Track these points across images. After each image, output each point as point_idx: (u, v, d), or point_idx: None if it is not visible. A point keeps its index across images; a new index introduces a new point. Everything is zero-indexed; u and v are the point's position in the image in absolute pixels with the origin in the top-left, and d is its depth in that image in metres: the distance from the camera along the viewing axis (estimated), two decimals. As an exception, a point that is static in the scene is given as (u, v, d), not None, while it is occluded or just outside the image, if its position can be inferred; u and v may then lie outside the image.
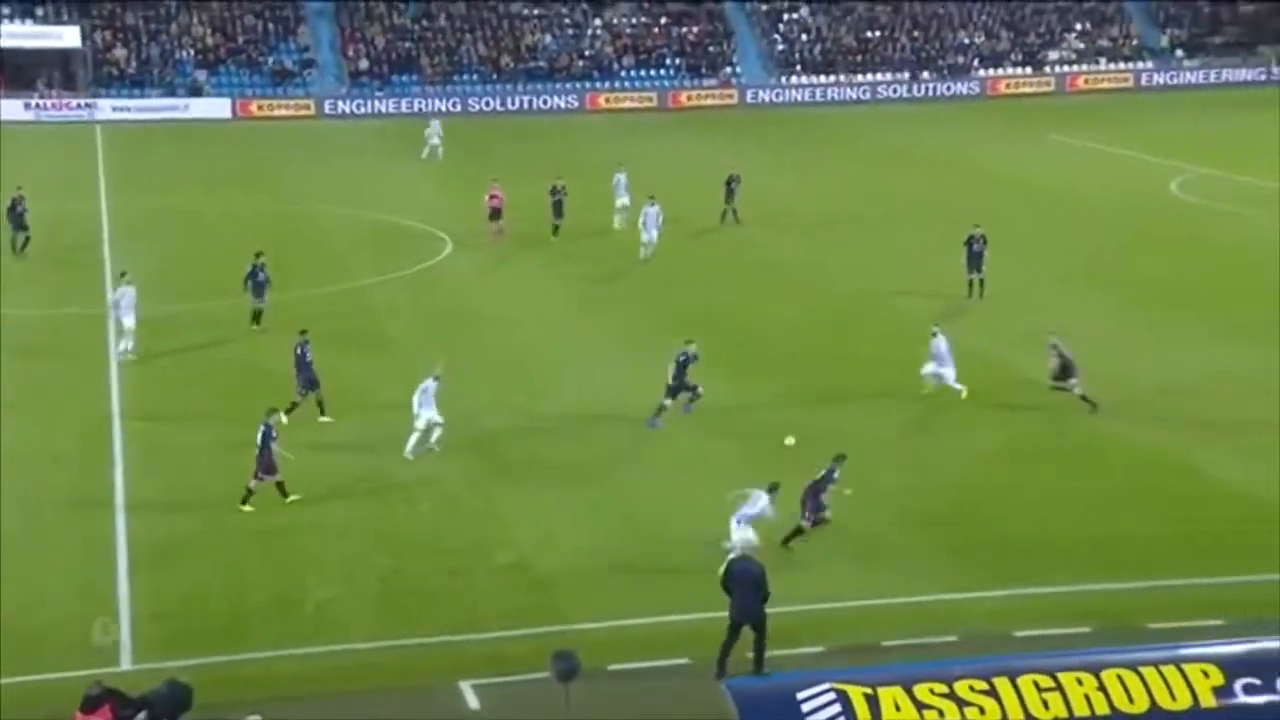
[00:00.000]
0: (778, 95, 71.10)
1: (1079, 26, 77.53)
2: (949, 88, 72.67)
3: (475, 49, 70.99)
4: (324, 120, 65.19)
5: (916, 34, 75.70)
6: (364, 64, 69.21)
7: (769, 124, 63.94)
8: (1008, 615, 18.76)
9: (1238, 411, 26.12)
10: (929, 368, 26.69)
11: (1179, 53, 76.48)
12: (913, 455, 24.19)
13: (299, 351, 25.55)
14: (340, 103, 66.96)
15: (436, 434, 23.95)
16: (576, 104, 68.61)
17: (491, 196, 39.62)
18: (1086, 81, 73.89)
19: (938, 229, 41.18)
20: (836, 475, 20.91)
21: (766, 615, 17.16)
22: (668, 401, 25.55)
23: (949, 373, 26.57)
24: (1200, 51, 76.38)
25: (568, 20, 73.39)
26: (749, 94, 70.82)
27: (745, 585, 17.11)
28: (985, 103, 70.47)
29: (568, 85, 69.75)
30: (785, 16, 75.75)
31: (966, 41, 75.65)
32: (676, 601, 19.10)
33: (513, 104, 67.90)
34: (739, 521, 19.83)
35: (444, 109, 66.18)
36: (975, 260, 33.16)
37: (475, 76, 69.70)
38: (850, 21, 76.00)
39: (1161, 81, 74.09)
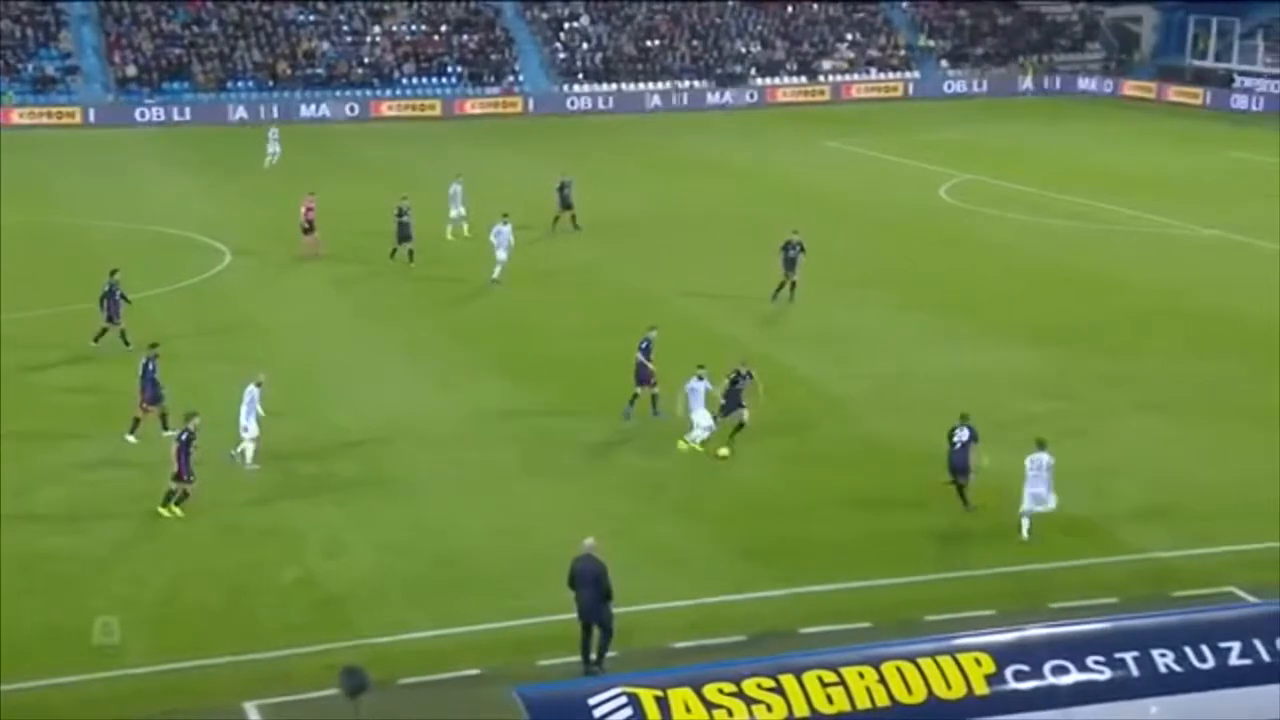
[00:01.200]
0: (562, 103, 71.30)
1: (849, 37, 79.60)
2: (729, 96, 73.86)
3: (250, 55, 69.48)
4: (90, 129, 63.01)
5: (695, 43, 76.75)
6: (131, 70, 67.11)
7: (555, 132, 64.06)
8: (793, 614, 19.11)
9: (1009, 408, 27.10)
10: (699, 421, 24.48)
11: (944, 63, 79.16)
12: (696, 459, 24.45)
13: (147, 366, 25.07)
14: (108, 111, 64.79)
15: (241, 446, 23.68)
16: (358, 112, 67.72)
17: (306, 210, 38.58)
18: (859, 90, 75.92)
19: (723, 235, 41.84)
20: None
21: (611, 614, 17.39)
22: (641, 390, 26.22)
23: (700, 421, 24.45)
24: (964, 61, 79.17)
25: (346, 27, 72.38)
26: (533, 102, 70.86)
27: (585, 583, 17.45)
28: (765, 111, 71.80)
29: (348, 93, 68.80)
30: (565, 25, 76.03)
31: (744, 50, 76.99)
32: (466, 613, 19.00)
33: (291, 112, 66.69)
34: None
35: (226, 117, 64.72)
36: (790, 264, 34.09)
37: (251, 84, 68.25)
38: (630, 30, 76.64)
39: (929, 90, 76.56)
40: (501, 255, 35.74)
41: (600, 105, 71.71)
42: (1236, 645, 14.63)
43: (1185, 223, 43.50)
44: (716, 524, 22.12)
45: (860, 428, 26.16)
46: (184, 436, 22.01)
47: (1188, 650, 14.59)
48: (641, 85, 73.26)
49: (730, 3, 79.80)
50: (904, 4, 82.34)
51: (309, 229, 38.49)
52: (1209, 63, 74.95)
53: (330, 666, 16.47)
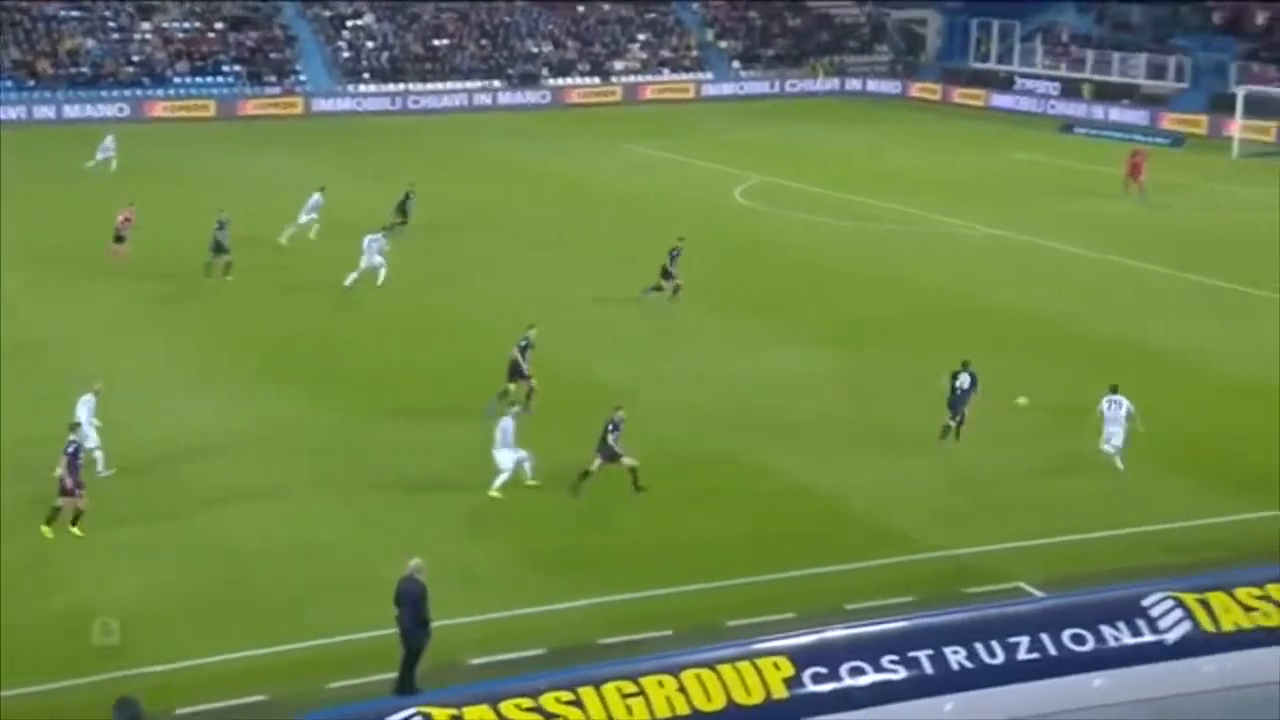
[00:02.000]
0: (346, 104, 70.28)
1: (641, 37, 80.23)
2: (522, 97, 73.74)
3: (7, 53, 66.81)
4: None
5: (485, 42, 76.46)
6: None
7: (340, 134, 63.10)
8: (593, 625, 19.08)
9: (801, 411, 27.54)
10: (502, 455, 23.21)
11: (736, 64, 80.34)
12: (484, 469, 24.14)
13: None
14: None
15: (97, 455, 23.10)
16: (128, 113, 65.65)
17: (124, 219, 37.30)
18: (653, 91, 76.54)
19: (523, 239, 41.73)
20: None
21: (424, 639, 17.25)
22: (514, 387, 26.46)
23: (506, 460, 23.17)
24: (756, 63, 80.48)
25: (112, 24, 70.12)
26: (315, 103, 69.67)
27: (405, 605, 17.49)
28: (559, 112, 71.86)
29: (116, 93, 66.65)
30: (349, 23, 74.96)
31: (535, 50, 76.98)
32: (252, 636, 18.52)
33: (53, 112, 64.28)
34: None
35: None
36: (665, 271, 34.53)
37: (10, 83, 65.60)
38: (417, 29, 75.97)
39: (722, 92, 77.58)
40: (372, 261, 34.96)
41: (388, 106, 70.91)
42: (1025, 640, 15.11)
43: (971, 222, 44.86)
44: (512, 536, 21.98)
45: (657, 433, 26.30)
46: (71, 449, 21.39)
47: (979, 647, 15.01)
48: (431, 86, 72.67)
49: (520, 2, 79.72)
50: (695, 5, 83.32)
51: (120, 239, 37.33)
52: (991, 65, 77.54)
53: (105, 699, 15.86)
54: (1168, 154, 57.83)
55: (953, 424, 25.63)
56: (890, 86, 78.66)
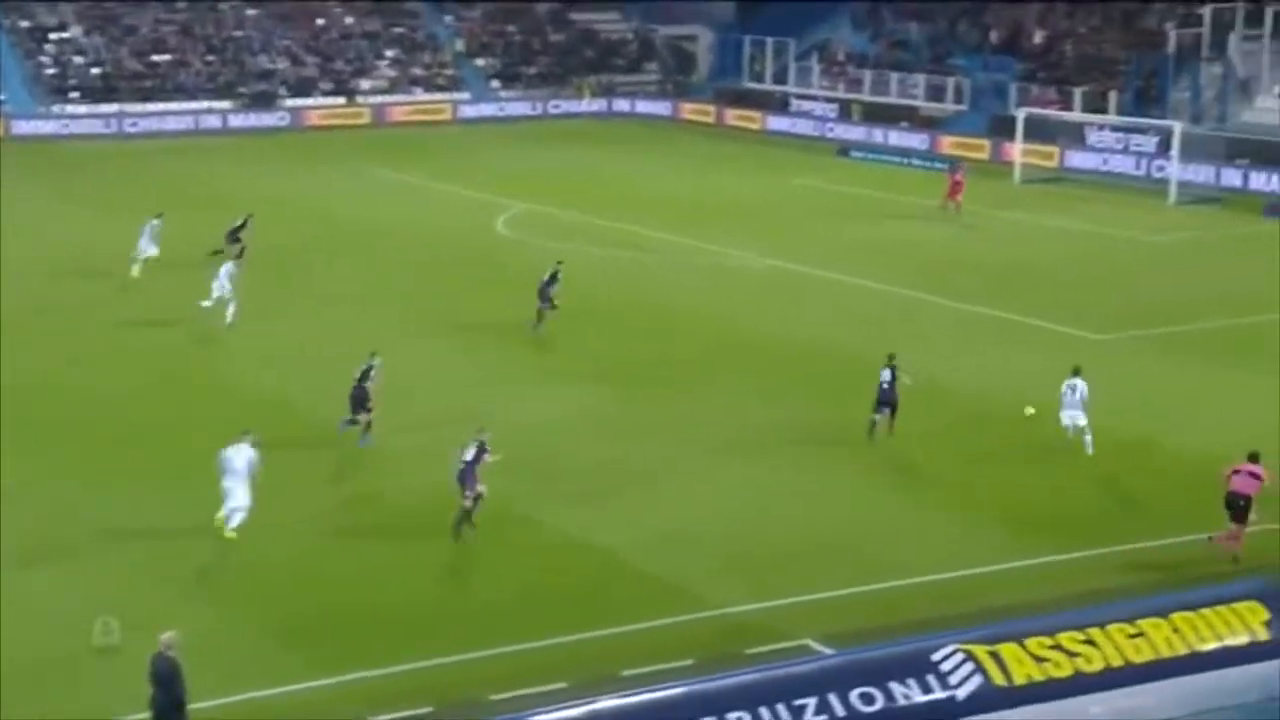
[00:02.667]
0: (51, 127, 68.20)
1: (390, 54, 79.87)
2: (256, 119, 72.60)
3: None
4: None
5: (212, 58, 75.09)
6: None
7: (44, 158, 61.22)
8: (343, 703, 18.78)
9: (573, 456, 27.65)
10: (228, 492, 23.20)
11: (495, 83, 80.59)
12: (211, 531, 23.57)
13: None
14: None
15: None
16: None
17: None
18: (404, 113, 76.22)
19: (264, 274, 41.06)
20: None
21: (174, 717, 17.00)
22: (361, 417, 27.80)
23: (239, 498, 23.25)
24: (516, 81, 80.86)
25: None
26: (15, 125, 67.48)
27: (157, 684, 17.34)
28: (298, 135, 71.01)
29: None
30: (52, 35, 72.77)
31: (270, 67, 75.89)
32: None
33: None
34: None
35: None
36: (543, 291, 35.71)
37: None
38: (133, 43, 74.17)
39: (481, 113, 77.71)
40: (224, 290, 35.23)
41: (101, 129, 69.04)
42: (812, 701, 15.39)
43: (748, 252, 45.76)
44: (251, 604, 21.52)
45: (415, 483, 26.09)
46: None
47: (763, 711, 15.24)
48: (151, 106, 70.99)
49: (251, 13, 78.56)
50: (448, 19, 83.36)
51: None
52: (766, 85, 79.42)
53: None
54: (947, 180, 59.85)
55: (878, 419, 28.65)
56: (661, 107, 79.90)
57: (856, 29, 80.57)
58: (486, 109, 78.21)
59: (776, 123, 74.40)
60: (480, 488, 23.73)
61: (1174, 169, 55.81)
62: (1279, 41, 63.88)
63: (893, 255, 45.61)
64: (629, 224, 49.91)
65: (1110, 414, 30.06)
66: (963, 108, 70.28)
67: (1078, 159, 61.55)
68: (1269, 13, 63.68)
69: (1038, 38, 72.01)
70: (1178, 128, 56.65)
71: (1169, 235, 49.57)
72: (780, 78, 79.13)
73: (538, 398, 31.19)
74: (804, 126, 73.20)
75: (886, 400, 28.97)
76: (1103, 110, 64.30)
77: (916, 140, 67.42)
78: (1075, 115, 63.68)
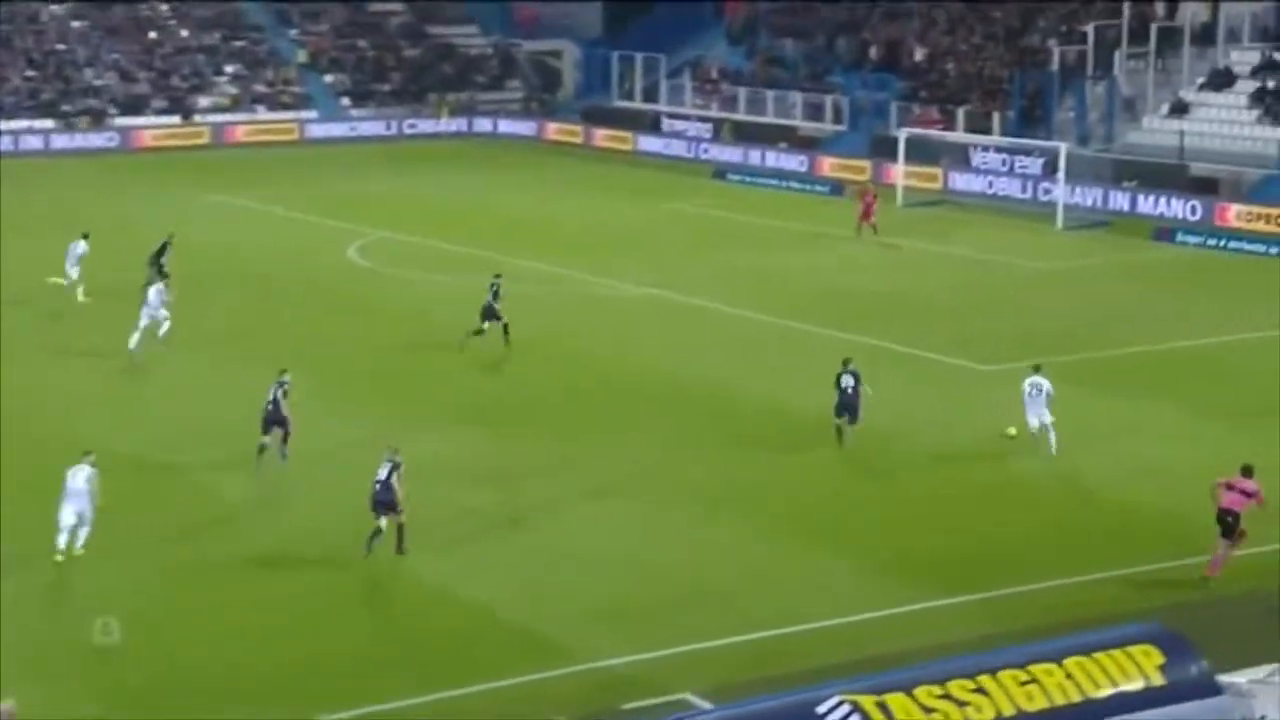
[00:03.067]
0: None
1: (230, 70, 79.27)
2: (83, 140, 71.66)
3: None
4: None
5: (33, 73, 73.94)
6: None
7: None
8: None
9: (437, 503, 27.63)
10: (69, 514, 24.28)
11: (345, 101, 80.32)
12: (31, 570, 23.35)
13: None
14: None
15: None
16: None
17: None
18: (246, 133, 75.67)
19: (82, 310, 40.55)
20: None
21: None
22: (276, 434, 28.83)
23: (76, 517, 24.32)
24: (369, 99, 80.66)
25: None
26: None
27: None
28: (129, 157, 70.25)
29: None
30: None
31: (98, 84, 74.94)
32: None
33: None
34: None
35: None
36: (489, 310, 37.19)
37: None
38: (-63, 57, 73.00)
39: (330, 133, 77.39)
40: (158, 314, 36.35)
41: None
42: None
43: (621, 281, 46.08)
44: (52, 679, 21.29)
45: (261, 539, 25.94)
46: None
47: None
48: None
49: (77, 24, 77.55)
50: (293, 31, 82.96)
51: None
52: (636, 103, 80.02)
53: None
54: (828, 204, 60.82)
55: (844, 425, 30.73)
56: (525, 127, 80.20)
57: (730, 45, 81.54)
58: (336, 129, 77.94)
59: (648, 143, 75.00)
60: (402, 514, 24.94)
61: (1061, 192, 57.06)
62: (1165, 59, 65.65)
63: (773, 283, 46.18)
64: (492, 251, 49.99)
65: (999, 448, 30.70)
66: (842, 128, 71.34)
67: (962, 181, 62.71)
68: (1153, 30, 65.44)
69: (918, 55, 73.39)
70: (1063, 149, 57.93)
71: (1056, 261, 50.72)
72: (651, 96, 79.82)
73: (399, 441, 31.10)
74: (677, 147, 73.83)
75: (849, 406, 30.84)
76: (987, 130, 65.65)
77: (795, 162, 68.27)
78: (958, 135, 64.97)
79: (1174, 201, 56.73)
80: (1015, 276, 48.45)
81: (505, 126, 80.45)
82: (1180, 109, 63.03)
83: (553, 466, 29.76)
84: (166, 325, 36.60)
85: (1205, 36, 65.85)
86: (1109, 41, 66.42)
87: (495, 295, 37.37)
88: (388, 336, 39.00)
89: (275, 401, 29.05)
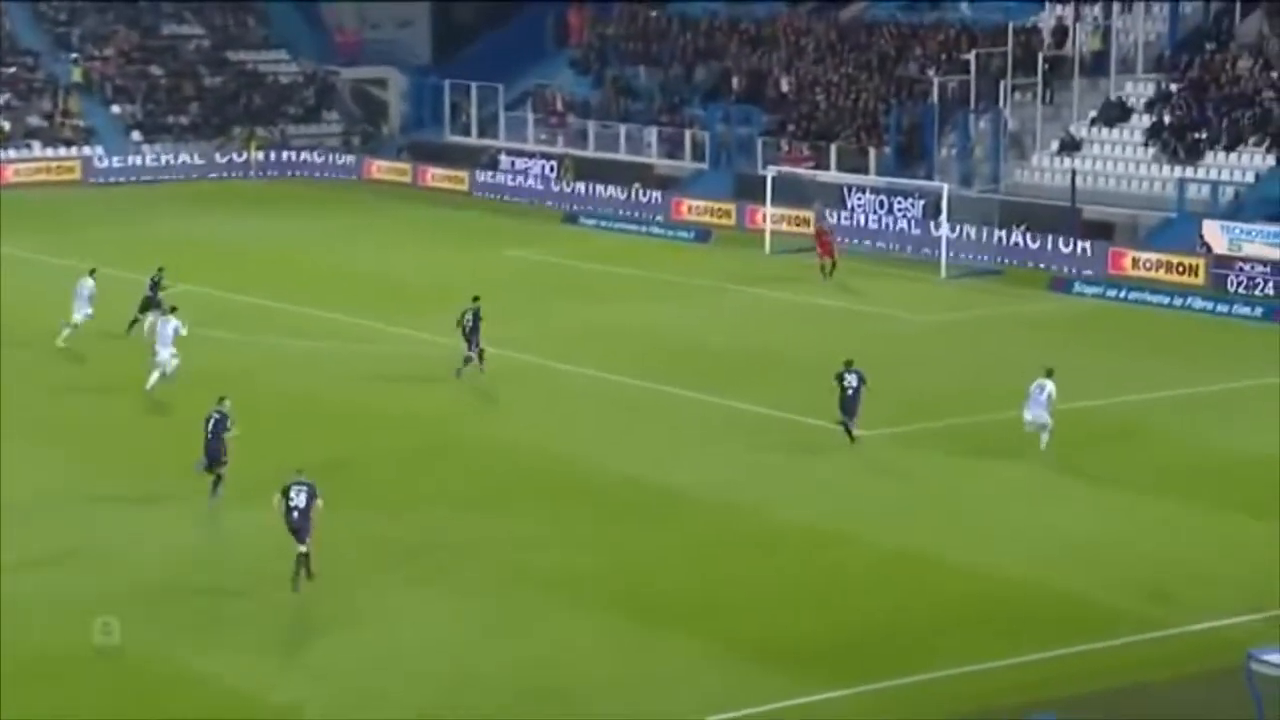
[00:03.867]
0: None
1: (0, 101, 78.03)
2: None
3: None
4: None
5: None
6: None
7: None
8: None
9: (244, 596, 27.20)
10: None
11: (136, 134, 79.32)
12: None
13: None
14: None
15: None
16: None
17: None
18: (19, 172, 74.47)
19: None
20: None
21: None
22: (219, 470, 31.56)
23: None
24: (164, 133, 79.73)
25: None
26: None
27: None
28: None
29: None
30: None
31: None
32: None
33: None
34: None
35: None
36: (471, 334, 40.85)
37: None
38: None
39: (118, 172, 76.33)
40: (166, 354, 39.06)
41: None
42: None
43: (454, 339, 45.81)
44: None
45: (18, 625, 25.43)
46: None
47: None
48: None
49: None
50: (74, 55, 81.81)
51: None
52: (472, 138, 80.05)
53: None
54: (691, 251, 61.14)
55: (848, 424, 35.03)
56: (345, 165, 79.82)
57: (576, 73, 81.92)
58: (125, 167, 76.89)
59: (486, 183, 74.99)
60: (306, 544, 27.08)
61: (945, 237, 57.89)
62: (1054, 91, 67.04)
63: (627, 340, 46.27)
64: (306, 306, 49.59)
65: (871, 523, 30.89)
66: (703, 166, 71.87)
67: (837, 225, 63.10)
68: (1040, 59, 66.77)
69: (785, 85, 74.18)
70: (946, 189, 58.88)
71: (941, 314, 51.39)
72: (488, 129, 79.90)
73: (182, 520, 30.69)
74: (520, 188, 73.86)
75: (848, 406, 35.03)
76: (862, 169, 66.55)
77: (653, 204, 68.47)
78: (831, 175, 65.77)
79: (1067, 248, 57.73)
80: (895, 331, 49.00)
81: (322, 164, 79.97)
82: (1071, 145, 64.44)
83: (377, 547, 29.42)
84: (174, 364, 39.14)
85: (1097, 67, 67.46)
86: (993, 71, 67.67)
87: (475, 324, 40.83)
88: (185, 405, 38.16)
89: (215, 435, 31.52)
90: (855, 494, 33.10)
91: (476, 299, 41.32)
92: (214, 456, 31.51)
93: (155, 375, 38.99)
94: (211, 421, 31.52)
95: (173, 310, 40.42)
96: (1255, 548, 29.80)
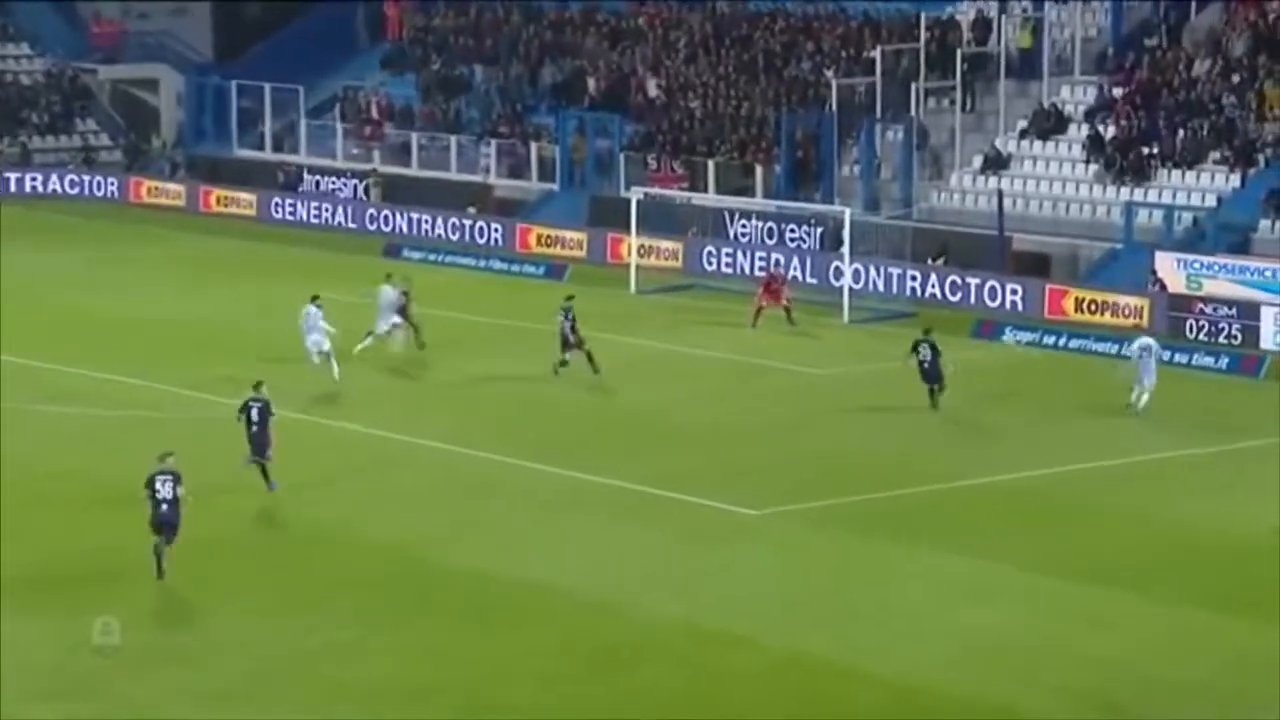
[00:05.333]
0: None
1: None
2: None
3: None
4: None
5: None
6: None
7: None
8: None
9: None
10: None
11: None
12: None
13: None
14: None
15: None
16: None
17: None
18: None
19: None
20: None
21: None
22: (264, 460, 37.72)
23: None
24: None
25: None
26: None
27: None
28: None
29: None
30: None
31: None
32: None
33: None
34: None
35: None
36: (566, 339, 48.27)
37: None
38: None
39: None
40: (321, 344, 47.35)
41: None
42: None
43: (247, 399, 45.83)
44: None
45: None
46: None
47: None
48: None
49: None
50: None
51: None
52: (266, 153, 79.94)
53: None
54: (540, 290, 60.86)
55: (935, 390, 45.43)
56: (105, 186, 79.28)
57: (394, 73, 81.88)
58: None
59: (285, 209, 74.81)
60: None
61: (847, 272, 58.38)
62: (976, 96, 67.88)
63: (465, 402, 46.55)
64: (63, 364, 49.38)
65: (763, 621, 31.27)
66: (552, 186, 72.21)
67: (716, 259, 63.46)
68: (959, 57, 67.22)
69: (652, 89, 74.47)
70: (848, 215, 59.39)
71: (844, 365, 51.93)
72: (287, 141, 79.76)
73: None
74: (328, 215, 73.77)
75: (931, 374, 45.23)
76: (747, 191, 67.11)
77: (491, 233, 68.61)
78: (709, 198, 66.29)
79: (995, 286, 58.47)
80: (792, 387, 49.53)
81: (75, 185, 79.44)
82: (998, 162, 65.24)
83: (159, 661, 29.53)
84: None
85: (1026, 67, 67.96)
86: (903, 73, 68.33)
87: (571, 323, 48.27)
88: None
89: (260, 425, 37.47)
90: (744, 585, 33.43)
91: (571, 297, 49.92)
92: (261, 446, 37.60)
93: None
94: (255, 410, 37.49)
95: None
96: (1221, 648, 30.37)
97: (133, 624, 30.87)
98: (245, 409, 37.84)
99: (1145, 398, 44.99)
